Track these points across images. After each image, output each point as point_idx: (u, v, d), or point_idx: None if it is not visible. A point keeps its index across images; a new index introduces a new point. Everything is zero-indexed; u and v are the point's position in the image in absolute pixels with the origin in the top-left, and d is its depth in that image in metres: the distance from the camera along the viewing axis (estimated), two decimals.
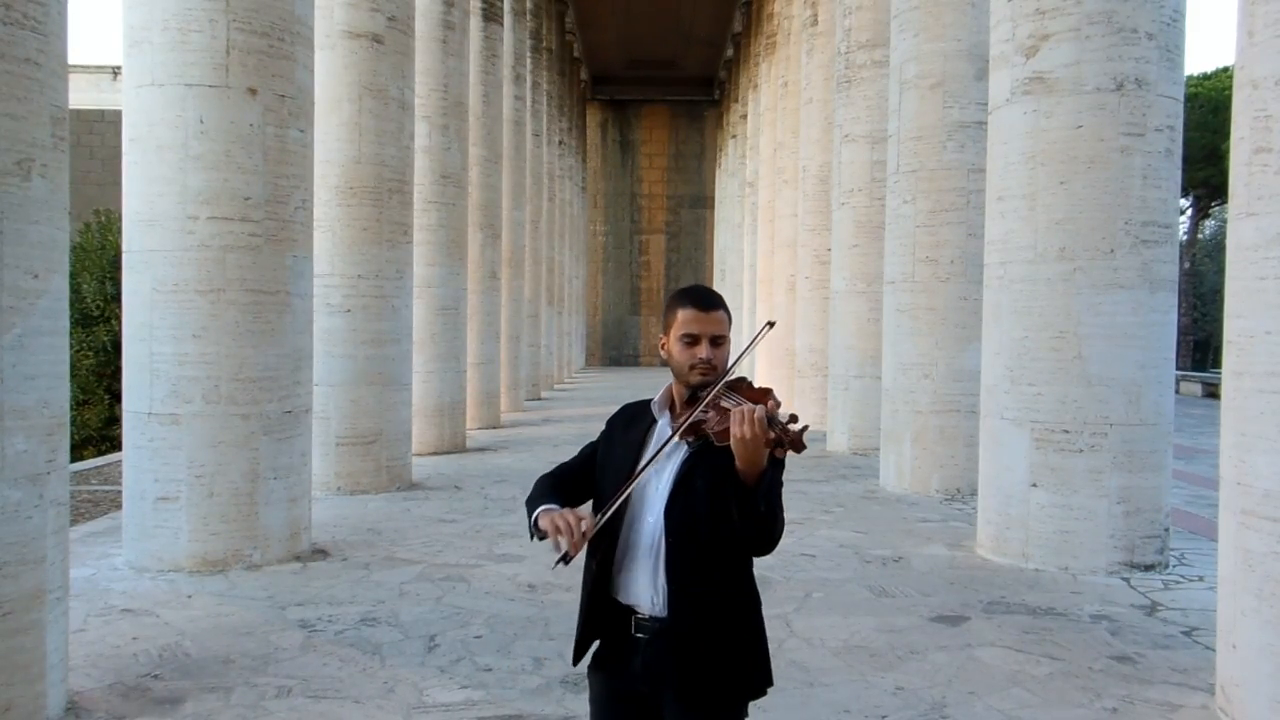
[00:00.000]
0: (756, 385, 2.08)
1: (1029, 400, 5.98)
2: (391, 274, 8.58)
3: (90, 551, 6.05)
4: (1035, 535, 5.95)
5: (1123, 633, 4.69)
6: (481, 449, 11.60)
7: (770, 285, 19.16)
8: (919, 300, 8.65)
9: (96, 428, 14.23)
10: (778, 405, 1.97)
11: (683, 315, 2.08)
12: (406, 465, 8.87)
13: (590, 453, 2.26)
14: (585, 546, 2.01)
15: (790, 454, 1.93)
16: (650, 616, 2.05)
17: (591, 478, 2.22)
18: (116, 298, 13.23)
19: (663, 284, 39.13)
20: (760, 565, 6.47)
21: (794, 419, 1.94)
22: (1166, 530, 5.98)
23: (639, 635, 2.05)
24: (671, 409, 2.15)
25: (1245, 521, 3.51)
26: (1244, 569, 3.52)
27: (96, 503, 8.16)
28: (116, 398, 12.60)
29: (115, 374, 12.66)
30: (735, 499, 1.93)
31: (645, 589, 2.05)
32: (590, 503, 2.21)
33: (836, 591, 5.42)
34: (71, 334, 7.80)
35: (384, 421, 8.54)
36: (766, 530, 1.97)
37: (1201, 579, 5.70)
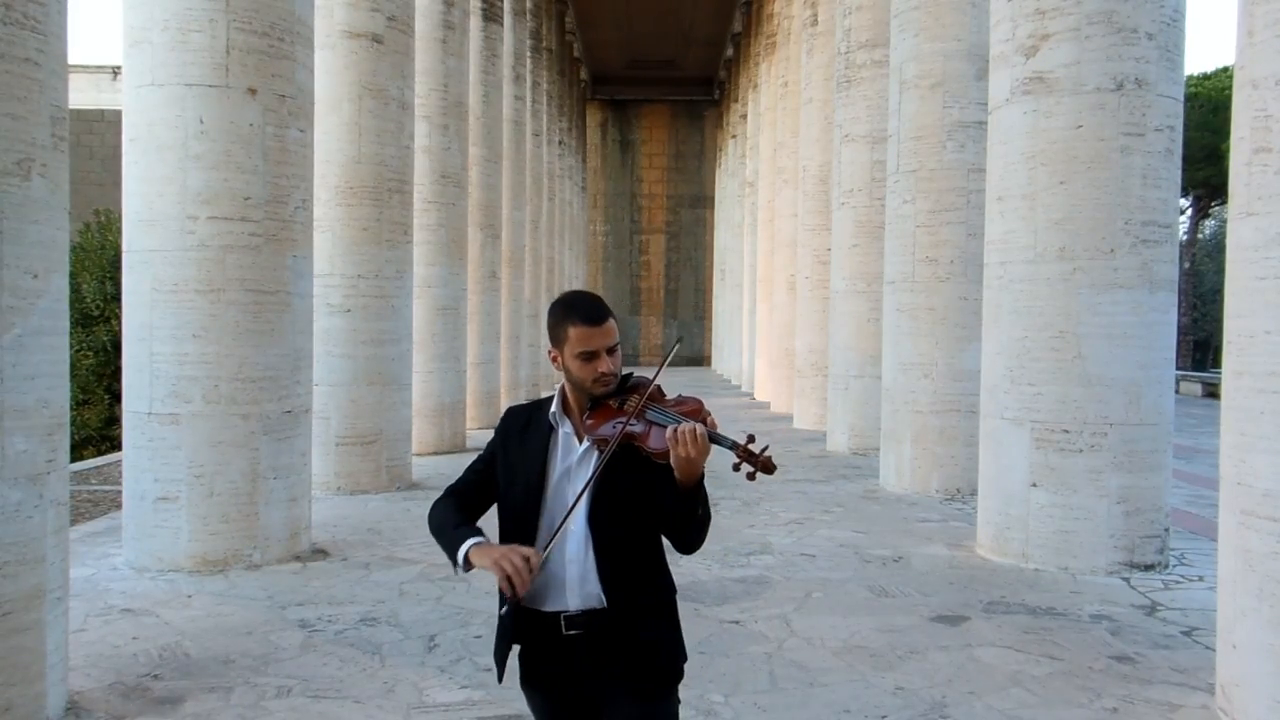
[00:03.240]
0: (684, 396, 2.10)
1: (1029, 400, 5.98)
2: (391, 274, 8.58)
3: (90, 551, 6.05)
4: (1035, 535, 5.95)
5: (1123, 633, 4.69)
6: (481, 449, 11.59)
7: (770, 285, 19.17)
8: (919, 300, 8.65)
9: (96, 428, 14.23)
10: (714, 421, 2.00)
11: (575, 333, 2.05)
12: (406, 465, 8.87)
13: (484, 466, 2.22)
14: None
15: (763, 475, 1.96)
16: (582, 611, 2.06)
17: (489, 490, 2.20)
18: (116, 298, 13.23)
19: (663, 284, 39.15)
20: (760, 565, 6.46)
21: (752, 439, 1.97)
22: (1166, 530, 5.98)
23: (572, 633, 2.06)
24: (571, 415, 2.14)
25: (1245, 521, 3.51)
26: (1244, 569, 3.52)
27: (96, 503, 8.16)
28: (116, 398, 12.60)
29: (115, 374, 12.66)
30: (675, 507, 2.00)
31: (574, 594, 2.07)
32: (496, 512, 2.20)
33: (836, 591, 5.42)
34: (71, 334, 7.80)
35: (384, 421, 8.54)
36: (702, 531, 2.06)
37: (1201, 579, 5.70)
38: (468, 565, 2.04)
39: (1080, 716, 3.69)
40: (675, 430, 1.92)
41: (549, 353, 2.14)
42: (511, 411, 2.25)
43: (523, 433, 2.17)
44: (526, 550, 1.96)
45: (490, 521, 2.13)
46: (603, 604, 2.06)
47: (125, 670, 4.05)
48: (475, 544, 2.04)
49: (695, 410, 2.02)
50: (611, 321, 2.08)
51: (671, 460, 1.94)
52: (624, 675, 2.06)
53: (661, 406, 2.04)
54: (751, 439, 1.98)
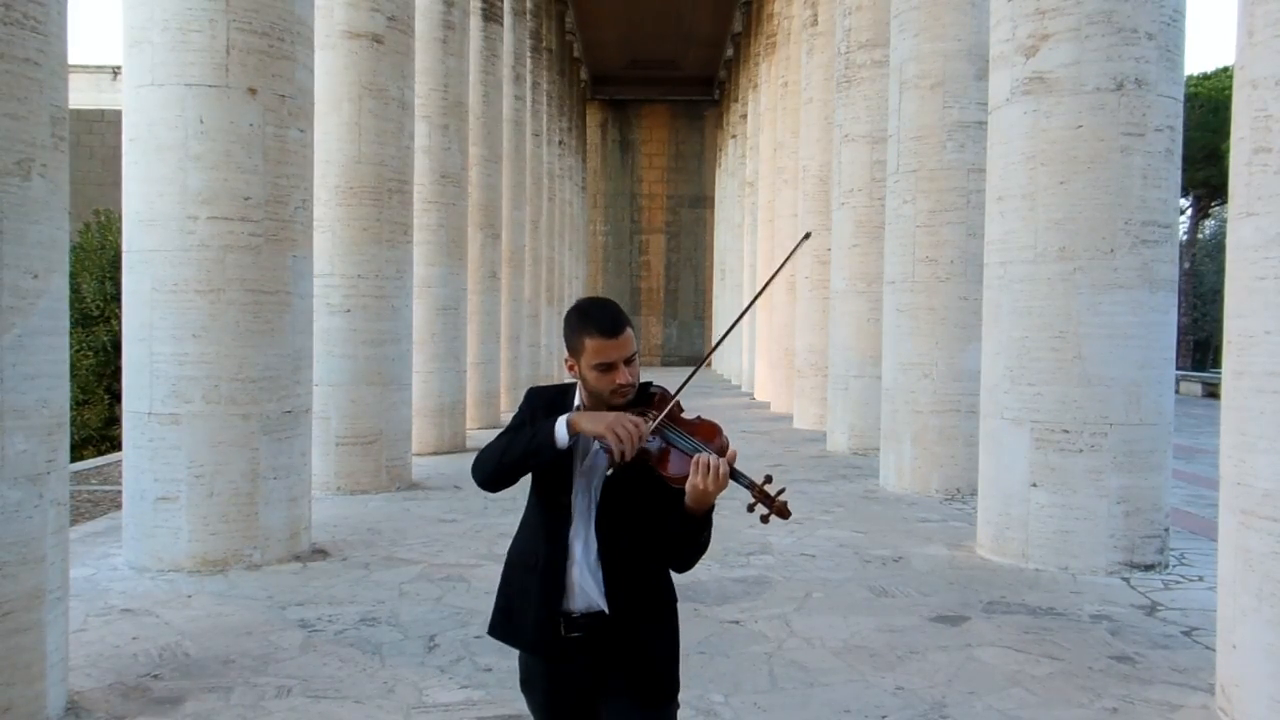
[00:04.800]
0: (703, 418, 2.07)
1: (1029, 400, 5.98)
2: (391, 274, 8.58)
3: (90, 551, 6.05)
4: (1035, 535, 5.95)
5: (1123, 633, 4.69)
6: (482, 449, 11.59)
7: (770, 285, 19.14)
8: (919, 300, 8.65)
9: (96, 428, 14.23)
10: (734, 453, 1.98)
11: (592, 345, 2.03)
12: (406, 465, 8.87)
13: (522, 425, 2.19)
14: (498, 550, 2.02)
15: (777, 519, 1.93)
16: (584, 614, 2.06)
17: None
18: (116, 298, 13.24)
19: (663, 284, 39.15)
20: (760, 565, 6.47)
21: (769, 480, 1.94)
22: (1166, 530, 5.98)
23: (573, 635, 2.06)
24: None
25: (1245, 521, 3.51)
26: (1244, 569, 3.52)
27: (96, 503, 8.16)
28: (116, 398, 12.60)
29: (115, 374, 12.67)
30: (679, 530, 1.97)
31: (576, 596, 2.07)
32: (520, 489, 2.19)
33: (836, 591, 5.42)
34: (71, 334, 7.80)
35: (384, 421, 8.53)
36: (699, 554, 2.04)
37: (1201, 579, 5.70)
38: (571, 432, 1.99)
39: (1080, 716, 3.69)
40: (699, 460, 1.89)
41: (566, 361, 2.11)
42: (537, 389, 2.24)
43: (550, 412, 2.15)
44: (636, 418, 1.95)
45: (509, 503, 2.12)
46: (604, 607, 2.06)
47: (125, 670, 4.05)
48: (570, 414, 2.01)
49: (712, 435, 1.99)
50: (629, 331, 2.05)
51: (686, 486, 1.92)
52: (622, 680, 2.06)
53: (679, 429, 2.01)
54: (769, 479, 1.95)
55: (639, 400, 2.08)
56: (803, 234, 2.22)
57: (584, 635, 2.05)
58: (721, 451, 1.96)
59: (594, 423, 1.95)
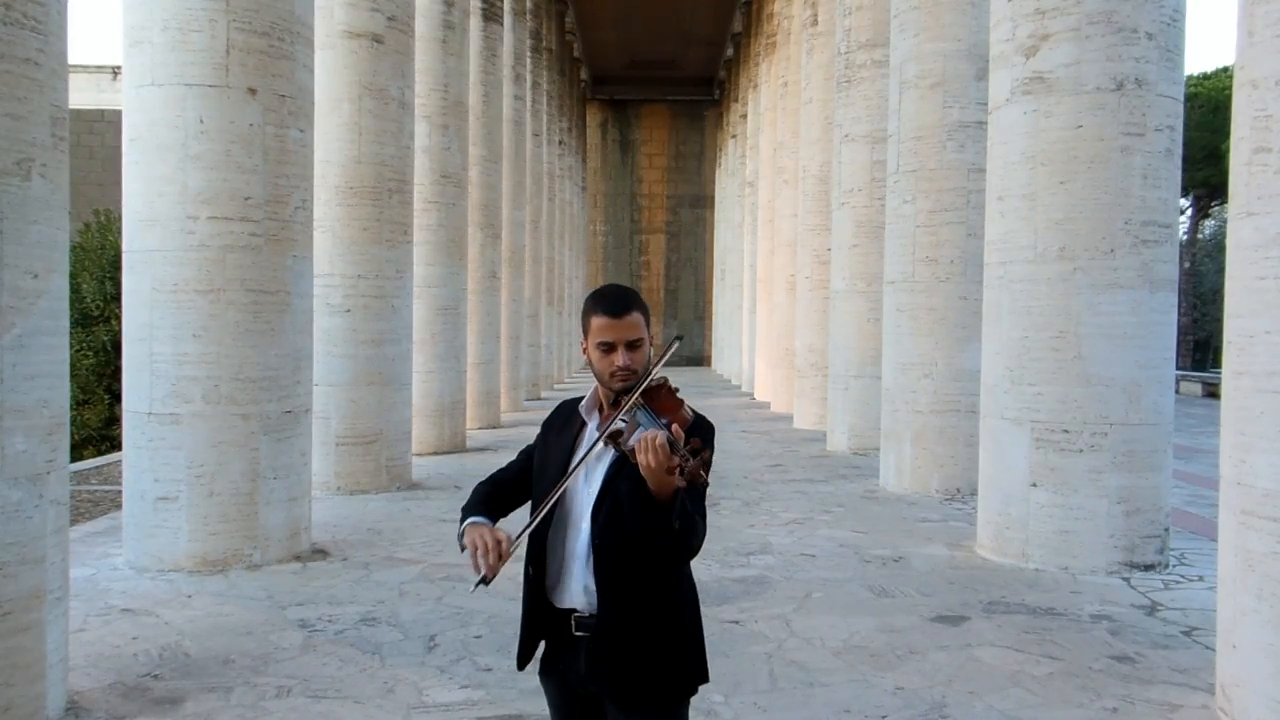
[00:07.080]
0: (682, 396, 2.04)
1: (1029, 400, 5.98)
2: (391, 274, 8.58)
3: (90, 551, 6.05)
4: (1035, 535, 5.95)
5: (1123, 633, 4.69)
6: (482, 449, 11.60)
7: (770, 285, 19.17)
8: (919, 300, 8.65)
9: (96, 428, 14.23)
10: (687, 421, 1.96)
11: (596, 323, 2.05)
12: (406, 465, 8.87)
13: (527, 457, 2.25)
14: (522, 552, 2.03)
15: (690, 485, 1.87)
16: (590, 614, 2.07)
17: (528, 482, 2.22)
18: (116, 298, 13.24)
19: (662, 284, 39.15)
20: (760, 565, 6.46)
21: (700, 444, 1.88)
22: (1166, 530, 5.98)
23: (580, 634, 2.07)
24: (600, 410, 2.13)
25: (1245, 521, 3.51)
26: (1244, 569, 3.52)
27: (96, 503, 8.16)
28: (116, 398, 12.60)
29: (115, 374, 12.67)
30: (650, 515, 1.92)
31: (579, 592, 2.07)
32: (528, 508, 2.20)
33: (836, 591, 5.42)
34: (71, 334, 7.80)
35: (384, 421, 8.54)
36: (683, 543, 1.97)
37: (1201, 579, 5.70)
38: (462, 543, 2.06)
39: (1080, 716, 3.69)
40: (644, 436, 1.86)
41: (581, 345, 2.14)
42: (562, 404, 2.27)
43: (563, 425, 2.18)
44: (501, 534, 1.98)
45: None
46: (600, 611, 2.06)
47: (125, 670, 4.05)
48: (471, 523, 2.07)
49: (675, 409, 1.98)
50: (636, 315, 2.05)
51: (640, 468, 1.87)
52: (621, 682, 2.06)
53: (653, 409, 1.99)
54: (700, 443, 1.89)
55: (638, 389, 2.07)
56: (674, 337, 2.21)
57: (590, 634, 2.06)
58: (682, 424, 1.94)
59: (469, 535, 2.02)
